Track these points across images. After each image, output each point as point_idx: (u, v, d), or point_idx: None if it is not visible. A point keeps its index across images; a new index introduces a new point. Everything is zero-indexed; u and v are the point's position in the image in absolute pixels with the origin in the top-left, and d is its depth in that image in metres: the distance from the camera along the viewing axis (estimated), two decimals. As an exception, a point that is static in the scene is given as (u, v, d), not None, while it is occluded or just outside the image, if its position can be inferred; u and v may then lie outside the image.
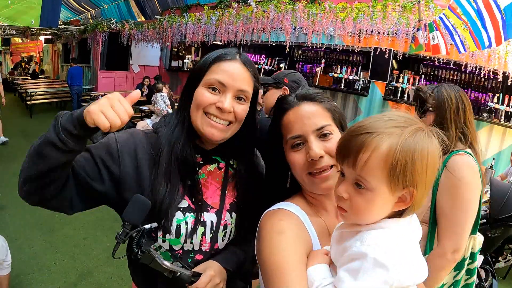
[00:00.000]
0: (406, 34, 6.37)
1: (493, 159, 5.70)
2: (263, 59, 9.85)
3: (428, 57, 6.54)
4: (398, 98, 7.33)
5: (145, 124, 7.19)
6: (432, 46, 4.76)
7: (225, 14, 8.70)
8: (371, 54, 7.34)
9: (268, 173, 1.19)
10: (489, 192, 3.98)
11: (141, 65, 13.00)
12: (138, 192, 1.05)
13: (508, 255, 4.63)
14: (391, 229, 0.77)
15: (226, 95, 1.08)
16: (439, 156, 0.75)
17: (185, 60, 12.59)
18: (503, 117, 6.58)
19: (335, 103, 1.08)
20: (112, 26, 11.76)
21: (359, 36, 6.94)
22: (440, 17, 4.54)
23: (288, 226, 0.94)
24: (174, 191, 1.10)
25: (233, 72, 1.09)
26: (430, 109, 1.96)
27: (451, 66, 6.79)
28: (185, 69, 12.36)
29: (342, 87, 8.04)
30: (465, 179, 1.66)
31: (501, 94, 6.66)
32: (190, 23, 9.36)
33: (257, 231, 1.01)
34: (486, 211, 3.62)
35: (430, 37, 4.74)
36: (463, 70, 6.36)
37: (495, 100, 6.71)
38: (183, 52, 12.92)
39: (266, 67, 9.60)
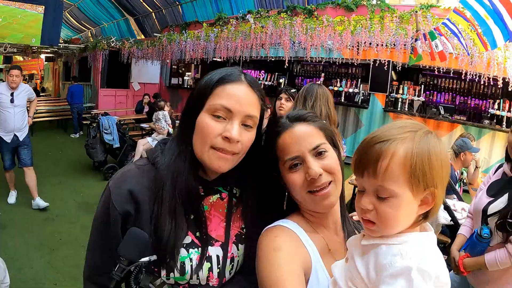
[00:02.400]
0: (405, 45, 6.44)
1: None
2: (262, 75, 9.93)
3: (427, 66, 6.57)
4: (399, 109, 7.36)
5: (146, 142, 7.15)
6: (438, 54, 4.77)
7: (223, 31, 8.81)
8: (370, 66, 7.39)
9: (264, 194, 1.16)
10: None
11: (141, 83, 13.06)
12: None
13: None
14: (422, 240, 0.79)
15: (233, 123, 0.98)
16: (447, 155, 0.79)
17: (185, 77, 12.66)
18: (504, 123, 6.60)
19: (324, 122, 1.09)
20: (112, 44, 11.86)
21: (358, 49, 7.00)
22: (444, 23, 4.56)
23: (284, 242, 0.94)
24: (180, 228, 1.01)
25: (240, 96, 0.99)
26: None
27: (451, 75, 6.83)
28: (185, 86, 12.43)
29: (342, 100, 8.08)
30: None
31: (501, 100, 6.68)
32: (189, 40, 9.48)
33: (256, 248, 1.00)
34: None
35: (433, 45, 4.74)
36: (463, 78, 6.40)
37: (496, 106, 6.73)
38: (183, 69, 13.02)
39: (266, 83, 9.66)
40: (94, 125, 8.13)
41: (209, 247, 1.07)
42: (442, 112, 7.11)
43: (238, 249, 1.12)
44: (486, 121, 6.77)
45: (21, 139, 5.06)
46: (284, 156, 1.01)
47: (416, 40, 5.24)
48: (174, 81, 12.71)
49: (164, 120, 8.08)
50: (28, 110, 5.30)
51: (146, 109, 10.33)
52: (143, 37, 12.49)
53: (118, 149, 7.12)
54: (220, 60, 9.36)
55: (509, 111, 6.55)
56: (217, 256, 1.08)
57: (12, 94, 4.87)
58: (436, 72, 6.48)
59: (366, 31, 6.80)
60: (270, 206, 1.13)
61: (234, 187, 1.16)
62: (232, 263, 1.11)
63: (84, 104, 11.88)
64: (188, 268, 1.02)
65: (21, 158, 5.10)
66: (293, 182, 1.00)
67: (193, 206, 1.05)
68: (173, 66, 12.71)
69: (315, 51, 7.53)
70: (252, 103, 1.01)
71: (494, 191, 2.15)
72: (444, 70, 6.41)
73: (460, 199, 3.69)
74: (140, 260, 0.93)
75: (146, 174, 1.04)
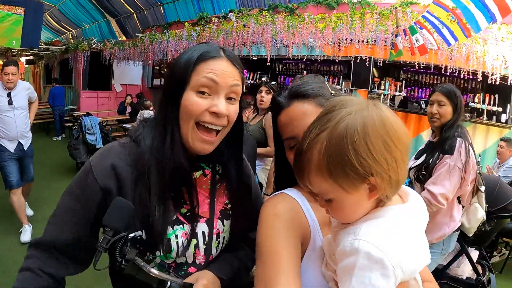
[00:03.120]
0: (385, 41, 6.50)
1: (479, 155, 5.78)
2: (245, 74, 9.78)
3: (408, 62, 6.64)
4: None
5: None
6: (418, 48, 4.81)
7: (205, 30, 8.76)
8: (352, 63, 7.43)
9: (277, 167, 1.16)
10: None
11: (123, 84, 12.91)
12: None
13: (503, 249, 4.69)
14: (385, 218, 0.72)
15: (219, 97, 0.99)
16: (387, 121, 0.68)
17: (167, 78, 12.47)
18: (485, 116, 6.70)
19: (335, 92, 1.01)
20: (94, 46, 11.73)
21: (339, 46, 7.03)
22: (424, 16, 4.60)
23: (283, 209, 0.92)
24: (168, 212, 1.00)
25: (223, 70, 0.99)
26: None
27: (431, 70, 6.91)
28: (168, 86, 12.24)
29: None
30: None
31: (482, 93, 6.78)
32: (171, 40, 9.40)
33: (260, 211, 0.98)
34: None
35: (414, 40, 4.77)
36: (443, 73, 6.47)
37: (476, 100, 6.83)
38: (165, 69, 12.81)
39: (248, 81, 9.64)
40: (77, 126, 8.03)
41: (195, 223, 1.06)
42: (423, 106, 7.19)
43: (223, 225, 1.13)
44: (467, 114, 6.85)
45: (25, 148, 4.31)
46: (283, 135, 1.02)
47: (396, 36, 5.31)
48: (157, 82, 12.58)
49: (150, 120, 7.99)
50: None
51: (129, 109, 10.24)
52: (124, 38, 12.34)
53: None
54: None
55: (489, 104, 6.65)
56: (203, 233, 1.08)
57: (9, 95, 4.12)
58: (417, 68, 6.54)
59: (347, 28, 6.85)
60: (282, 177, 1.11)
61: (216, 164, 1.16)
62: (218, 240, 1.11)
63: (66, 106, 11.68)
64: (174, 245, 1.01)
65: (26, 172, 4.37)
66: (291, 161, 0.98)
67: (186, 184, 1.05)
68: (155, 67, 12.58)
69: (297, 49, 7.54)
70: (234, 75, 1.02)
71: (418, 155, 2.64)
72: (425, 65, 6.48)
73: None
74: (125, 233, 0.91)
75: (129, 151, 1.03)
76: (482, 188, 2.64)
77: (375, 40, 6.64)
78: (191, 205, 1.06)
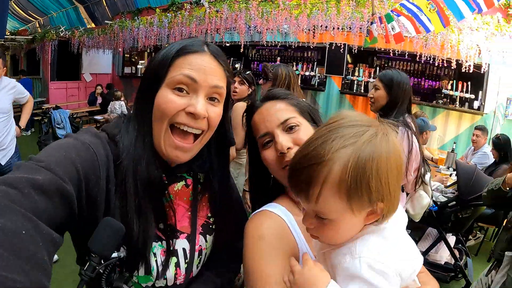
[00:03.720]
0: (360, 28, 6.48)
1: (454, 142, 5.89)
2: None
3: (382, 49, 6.67)
4: (355, 91, 7.47)
5: None
6: (394, 36, 4.81)
7: (177, 16, 8.54)
8: (326, 49, 7.41)
9: (252, 178, 1.15)
10: (455, 174, 4.20)
11: (93, 74, 12.50)
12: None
13: (477, 232, 4.91)
14: (376, 232, 0.74)
15: (198, 96, 0.87)
16: (399, 152, 0.71)
17: (138, 66, 12.22)
18: (457, 102, 6.84)
19: (302, 100, 1.07)
20: (62, 34, 11.27)
21: (314, 32, 6.98)
22: (401, 4, 4.55)
23: (268, 230, 0.90)
24: (148, 223, 0.88)
25: (204, 67, 0.88)
26: (269, 79, 2.89)
27: (406, 57, 6.98)
28: (139, 75, 11.97)
29: (299, 84, 8.03)
30: None
31: (455, 81, 6.89)
32: (142, 27, 9.13)
33: (244, 231, 0.95)
34: (453, 193, 3.74)
35: (389, 28, 4.76)
36: (417, 60, 6.53)
37: (449, 87, 6.96)
38: (136, 57, 12.58)
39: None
40: (46, 120, 7.74)
41: (174, 239, 0.95)
42: None
43: (206, 241, 1.02)
44: (440, 101, 6.99)
45: (3, 162, 3.34)
46: (257, 135, 1.02)
47: (372, 23, 5.29)
48: (127, 70, 12.23)
49: (121, 110, 7.84)
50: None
51: (100, 100, 10.01)
52: (93, 25, 11.91)
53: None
54: (174, 47, 9.08)
55: (462, 91, 6.81)
56: (184, 250, 0.97)
57: None
58: (391, 55, 6.60)
59: (323, 15, 6.77)
60: (257, 187, 1.10)
61: (198, 172, 1.05)
62: (200, 256, 1.01)
63: (34, 99, 11.21)
64: (153, 264, 0.89)
65: None
66: (267, 159, 0.99)
67: (156, 197, 0.91)
68: (126, 55, 12.22)
69: (271, 35, 7.45)
70: (217, 74, 0.91)
71: None
72: (399, 53, 6.56)
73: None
74: (115, 258, 0.80)
75: (108, 152, 0.86)
76: (427, 176, 2.64)
77: (350, 27, 6.62)
78: (169, 219, 0.94)
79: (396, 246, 0.73)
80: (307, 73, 7.95)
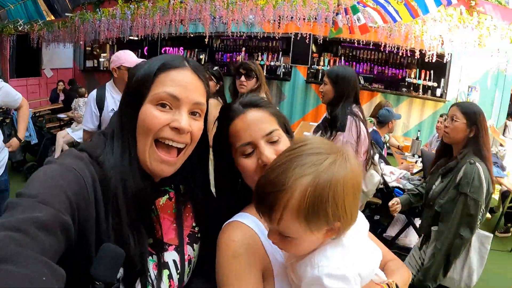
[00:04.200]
0: (326, 18, 6.54)
1: (418, 130, 5.99)
2: (181, 52, 9.69)
3: (347, 39, 6.79)
4: (320, 80, 7.45)
5: (65, 134, 6.51)
6: (359, 27, 4.89)
7: (140, 7, 8.31)
8: (292, 39, 7.44)
9: (218, 181, 1.13)
10: (420, 161, 4.34)
11: (54, 69, 11.99)
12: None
13: None
14: (333, 242, 0.79)
15: (181, 112, 0.89)
16: (356, 174, 0.76)
17: (100, 59, 11.87)
18: (421, 90, 7.03)
19: (277, 108, 1.09)
20: (20, 28, 10.74)
21: (279, 23, 6.98)
22: None
23: (241, 248, 0.91)
24: (143, 239, 0.88)
25: (186, 82, 0.90)
26: (254, 76, 2.99)
27: (370, 47, 7.08)
28: (102, 68, 11.67)
29: (264, 74, 8.02)
30: None
31: (418, 70, 7.06)
32: (104, 19, 8.83)
33: (216, 245, 0.96)
34: (420, 180, 3.83)
35: (355, 19, 4.86)
36: (381, 49, 6.66)
37: (413, 75, 7.14)
38: (98, 50, 12.20)
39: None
40: (7, 121, 7.38)
41: (163, 253, 0.97)
42: (362, 82, 7.40)
43: (194, 250, 1.05)
44: (404, 89, 7.12)
45: None
46: (237, 143, 0.99)
47: (337, 14, 5.40)
48: (89, 64, 11.87)
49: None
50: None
51: (62, 97, 9.63)
52: (53, 18, 11.43)
53: (36, 145, 6.32)
54: (137, 38, 8.87)
55: (424, 79, 7.00)
56: (174, 261, 0.99)
57: None
58: (356, 44, 6.68)
59: (288, 5, 6.78)
60: (223, 191, 1.10)
61: (180, 185, 1.08)
62: (190, 266, 1.04)
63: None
64: (148, 279, 0.90)
65: None
66: (246, 168, 0.98)
67: (145, 212, 0.92)
68: (87, 48, 11.84)
69: (236, 26, 7.39)
70: (198, 89, 0.94)
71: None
72: (364, 43, 6.65)
73: (386, 163, 4.16)
74: (118, 283, 0.80)
75: (93, 174, 0.84)
76: (376, 157, 2.88)
77: (315, 18, 6.67)
78: (156, 234, 0.95)
79: (353, 251, 0.79)
80: (272, 63, 7.97)
